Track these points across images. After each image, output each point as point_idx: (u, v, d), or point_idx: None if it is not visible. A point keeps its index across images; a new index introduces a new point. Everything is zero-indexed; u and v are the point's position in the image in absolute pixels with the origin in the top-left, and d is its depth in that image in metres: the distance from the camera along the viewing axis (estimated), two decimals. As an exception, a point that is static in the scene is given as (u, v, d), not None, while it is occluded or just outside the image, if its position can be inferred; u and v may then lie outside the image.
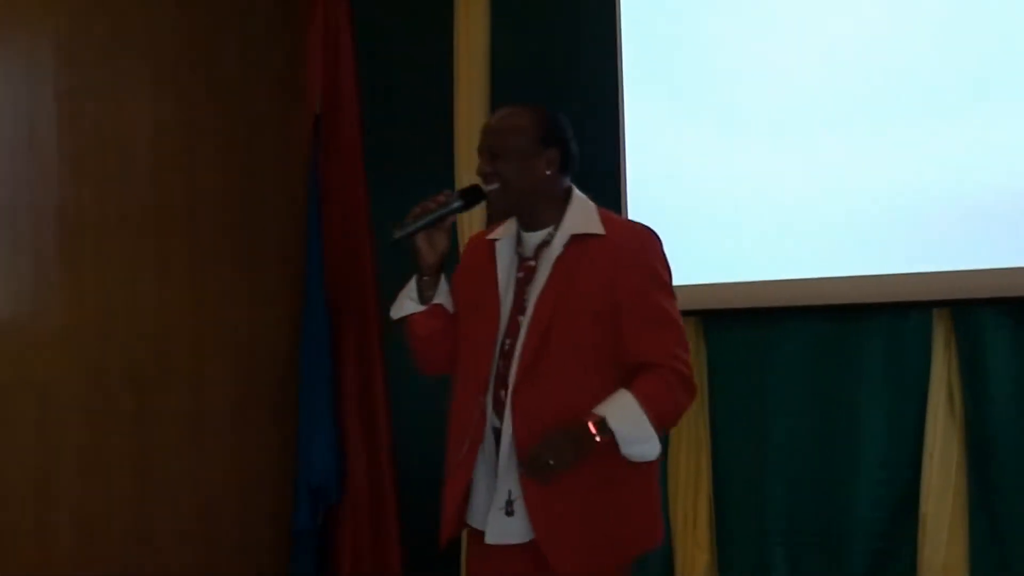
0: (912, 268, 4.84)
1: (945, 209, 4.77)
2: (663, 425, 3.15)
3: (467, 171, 5.86)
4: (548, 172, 3.27)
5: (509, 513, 3.19)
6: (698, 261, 5.15)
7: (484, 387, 3.24)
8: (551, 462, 3.02)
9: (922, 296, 4.86)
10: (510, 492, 3.19)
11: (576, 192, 3.35)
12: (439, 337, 3.36)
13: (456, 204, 3.26)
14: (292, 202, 6.18)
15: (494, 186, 3.26)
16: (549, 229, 3.29)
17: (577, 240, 3.24)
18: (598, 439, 3.05)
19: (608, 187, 5.34)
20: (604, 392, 3.14)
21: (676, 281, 5.24)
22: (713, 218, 5.20)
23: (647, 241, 3.27)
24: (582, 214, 3.29)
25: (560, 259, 3.24)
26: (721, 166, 5.20)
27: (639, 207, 5.33)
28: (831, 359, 5.10)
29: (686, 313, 5.23)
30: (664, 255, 3.29)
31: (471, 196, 3.29)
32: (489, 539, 3.22)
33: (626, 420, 3.08)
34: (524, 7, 5.89)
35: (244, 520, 5.92)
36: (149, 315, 5.62)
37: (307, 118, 6.15)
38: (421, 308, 3.33)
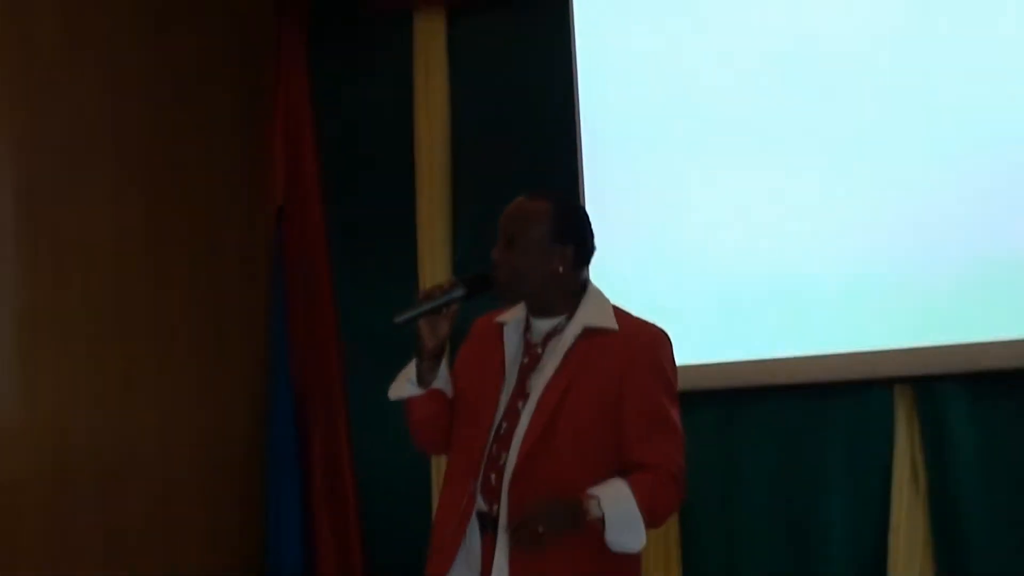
0: (873, 345, 4.90)
1: (902, 286, 4.84)
2: (651, 520, 3.12)
3: (428, 256, 5.91)
4: (560, 269, 3.26)
5: None
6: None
7: (476, 471, 3.22)
8: (540, 529, 2.99)
9: (883, 373, 4.91)
10: None
11: (592, 285, 3.33)
12: (437, 419, 3.36)
13: (459, 292, 3.24)
14: (257, 293, 6.19)
15: (501, 276, 3.26)
16: (561, 318, 3.28)
17: (590, 333, 3.23)
18: (589, 516, 3.03)
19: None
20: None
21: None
22: (675, 298, 5.23)
23: (659, 343, 3.26)
24: (596, 308, 3.28)
25: (572, 350, 3.22)
26: (682, 243, 5.26)
27: (601, 280, 5.36)
28: (796, 437, 5.14)
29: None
30: (673, 359, 3.28)
31: (476, 285, 3.28)
32: None
33: (618, 506, 3.06)
34: (480, 85, 5.96)
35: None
36: (113, 412, 5.57)
37: (270, 209, 6.18)
38: (420, 392, 3.31)
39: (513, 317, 3.35)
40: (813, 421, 5.09)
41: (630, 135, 5.44)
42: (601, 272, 5.27)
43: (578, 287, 3.31)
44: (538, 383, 3.22)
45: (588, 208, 5.32)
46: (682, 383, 5.10)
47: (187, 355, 5.88)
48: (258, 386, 6.13)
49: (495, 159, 5.86)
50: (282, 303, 6.10)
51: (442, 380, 3.34)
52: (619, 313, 3.30)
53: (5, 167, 5.31)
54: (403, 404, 3.36)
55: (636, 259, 5.35)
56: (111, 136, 5.69)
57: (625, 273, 5.32)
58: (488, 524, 3.19)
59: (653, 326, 3.31)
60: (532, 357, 3.29)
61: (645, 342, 3.24)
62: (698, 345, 5.19)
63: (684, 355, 5.05)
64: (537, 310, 3.31)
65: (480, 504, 3.21)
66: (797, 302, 5.03)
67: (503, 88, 5.93)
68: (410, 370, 3.32)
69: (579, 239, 3.30)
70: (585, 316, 3.26)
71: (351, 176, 6.28)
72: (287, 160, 6.18)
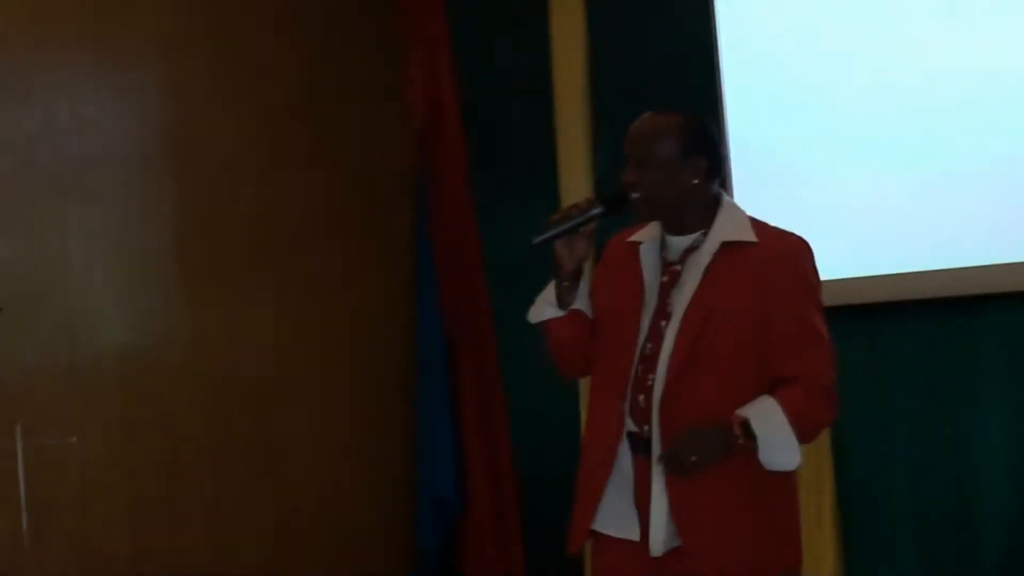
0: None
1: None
2: (804, 436, 3.10)
3: (569, 176, 5.88)
4: (695, 181, 3.20)
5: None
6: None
7: (623, 392, 3.19)
8: (694, 457, 2.99)
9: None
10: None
11: (726, 198, 3.28)
12: (577, 342, 3.31)
13: (597, 211, 3.20)
14: (400, 217, 6.23)
15: (637, 195, 3.19)
16: (698, 234, 3.22)
17: (728, 247, 3.17)
18: (740, 441, 3.02)
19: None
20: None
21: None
22: (820, 215, 5.13)
23: (802, 252, 3.21)
24: (733, 221, 3.22)
25: (711, 266, 3.16)
26: (824, 163, 5.15)
27: (745, 202, 5.28)
28: (949, 353, 5.01)
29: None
30: (815, 267, 3.22)
31: (613, 203, 3.22)
32: (655, 551, 3.15)
33: (769, 426, 3.03)
34: (620, 11, 5.88)
35: (370, 537, 5.97)
36: (268, 340, 5.71)
37: (412, 133, 6.19)
38: (560, 313, 3.28)
39: (648, 236, 3.29)
40: (967, 336, 4.95)
41: (773, 62, 5.32)
42: (745, 193, 5.33)
43: (712, 200, 3.25)
44: (680, 302, 3.17)
45: (731, 130, 5.38)
46: (828, 298, 5.11)
47: (337, 283, 5.96)
48: (407, 311, 6.18)
49: (633, 81, 5.79)
50: (425, 228, 6.12)
51: (581, 301, 3.30)
52: (756, 224, 3.23)
53: (155, 101, 5.43)
54: (542, 327, 3.33)
55: (778, 178, 5.26)
56: (255, 65, 5.77)
57: (768, 192, 5.26)
58: (640, 446, 3.17)
59: (793, 235, 3.24)
60: (671, 275, 3.23)
61: (787, 252, 3.18)
62: (845, 259, 5.09)
63: (830, 270, 5.09)
64: (673, 227, 3.24)
65: (630, 425, 3.18)
66: (943, 215, 4.89)
67: (640, 5, 5.83)
68: (549, 292, 3.30)
69: (710, 150, 3.24)
70: (722, 230, 3.19)
71: (490, 101, 6.25)
72: (426, 84, 6.17)
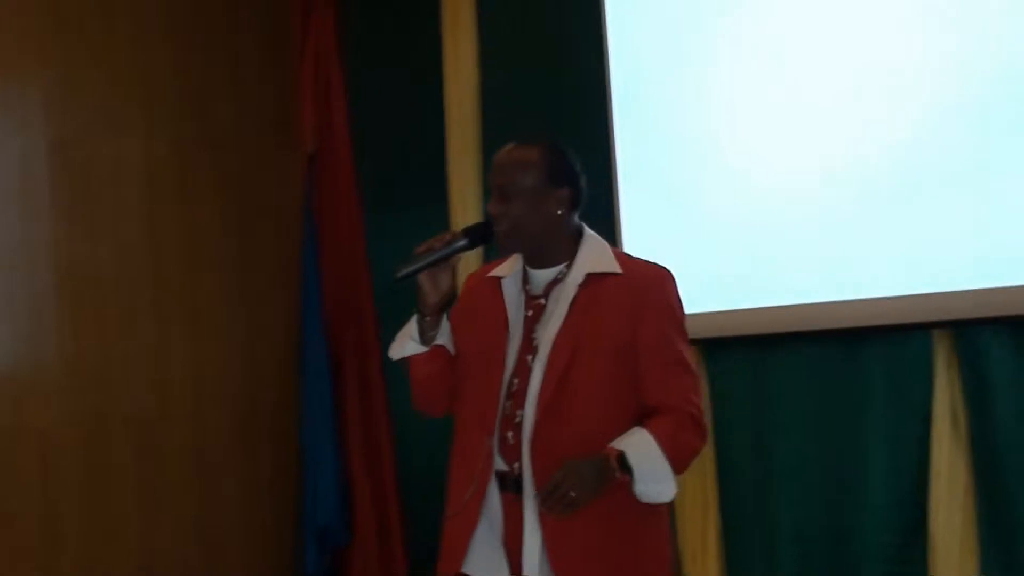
0: (911, 290, 4.82)
1: (941, 227, 4.76)
2: (677, 466, 3.09)
3: (460, 201, 5.87)
4: (559, 212, 3.19)
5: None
6: (696, 289, 5.13)
7: (490, 429, 3.14)
8: (573, 493, 2.93)
9: (922, 318, 4.83)
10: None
11: (588, 230, 3.27)
12: (440, 378, 3.27)
13: (461, 243, 3.17)
14: (288, 240, 6.19)
15: (502, 227, 3.17)
16: (561, 267, 3.21)
17: (593, 278, 3.16)
18: (617, 474, 2.98)
19: (602, 212, 5.34)
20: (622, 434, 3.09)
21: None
22: (710, 245, 5.18)
23: (665, 282, 3.21)
24: (596, 252, 3.21)
25: (577, 298, 3.15)
26: (716, 192, 5.19)
27: (634, 233, 5.32)
28: (833, 384, 5.07)
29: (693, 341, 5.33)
30: (679, 296, 3.23)
31: (478, 235, 3.20)
32: None
33: (645, 458, 3.02)
34: (510, 33, 5.89)
35: (252, 564, 5.90)
36: (148, 357, 5.63)
37: (301, 157, 6.16)
38: (423, 349, 3.23)
39: (509, 270, 3.28)
40: (851, 368, 5.02)
41: (662, 87, 5.35)
42: (633, 224, 5.36)
43: (575, 232, 3.25)
44: (546, 335, 3.15)
45: (619, 159, 5.41)
46: (716, 329, 5.17)
47: (219, 308, 5.90)
48: (291, 336, 6.13)
49: (525, 107, 5.80)
50: (313, 251, 6.08)
51: (444, 336, 3.25)
52: (620, 255, 3.24)
53: (39, 120, 5.37)
54: (404, 363, 3.29)
55: (668, 209, 5.29)
56: (141, 88, 5.73)
57: (656, 222, 5.29)
58: (509, 484, 3.13)
59: (656, 265, 3.25)
60: (535, 309, 3.21)
61: (651, 281, 3.19)
62: (733, 291, 5.14)
63: (718, 302, 5.15)
64: (536, 260, 3.23)
65: (499, 463, 3.14)
66: (832, 248, 4.95)
67: (532, 35, 5.85)
68: (411, 327, 3.25)
69: (573, 180, 3.23)
70: (586, 262, 3.19)
71: (381, 124, 6.24)
72: (317, 107, 6.15)
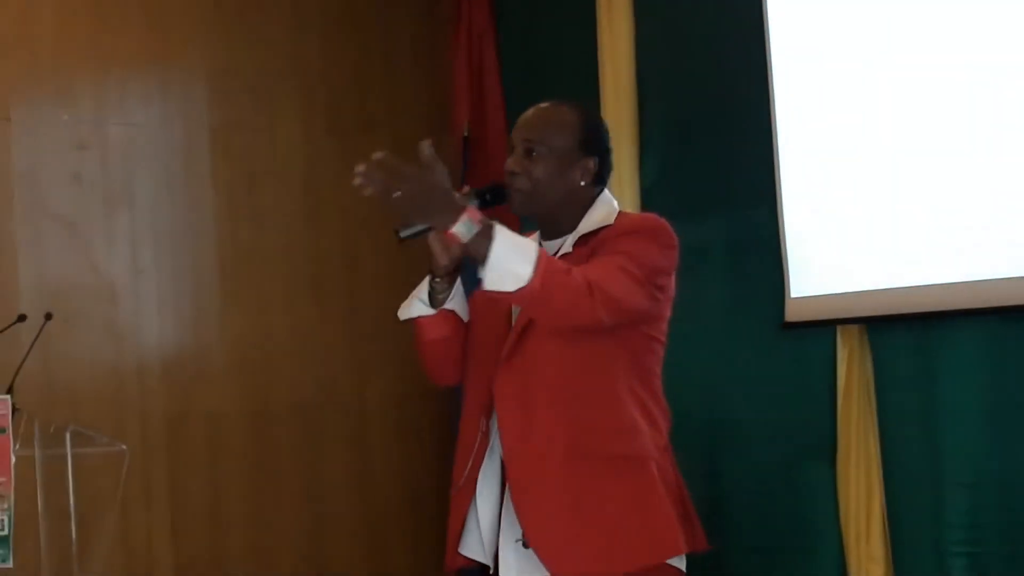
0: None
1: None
2: (547, 285, 2.64)
3: (616, 183, 5.82)
4: (582, 183, 2.96)
5: (526, 545, 2.85)
6: (861, 266, 5.03)
7: (488, 408, 2.91)
8: (397, 193, 2.65)
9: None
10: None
11: (603, 196, 3.01)
12: (447, 345, 3.03)
13: (472, 203, 2.82)
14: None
15: (520, 187, 2.92)
16: (566, 237, 2.97)
17: (586, 238, 2.92)
18: (462, 217, 2.62)
19: (762, 187, 5.26)
20: (583, 378, 2.82)
21: (840, 288, 5.21)
22: (875, 220, 5.04)
23: (650, 225, 2.91)
24: (599, 215, 2.96)
25: (566, 260, 2.86)
26: (880, 167, 5.06)
27: (795, 209, 5.22)
28: (1004, 362, 4.91)
29: (852, 320, 5.22)
30: (669, 237, 2.90)
31: (491, 195, 2.93)
32: (504, 575, 2.88)
33: (513, 241, 2.65)
34: (667, 13, 5.82)
35: (412, 544, 5.95)
36: (310, 341, 5.71)
37: (455, 140, 6.18)
38: (429, 312, 2.99)
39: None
40: (1021, 346, 4.86)
41: (822, 72, 5.22)
42: (794, 202, 5.26)
43: (590, 201, 2.98)
44: None
45: (780, 143, 5.31)
46: (882, 308, 5.04)
47: (377, 292, 5.94)
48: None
49: (682, 90, 5.73)
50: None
51: (456, 301, 3.01)
52: (621, 214, 2.98)
53: (201, 107, 5.48)
54: (412, 324, 3.04)
55: (829, 186, 5.18)
56: (298, 74, 5.80)
57: (817, 200, 5.19)
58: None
59: (651, 215, 2.98)
60: None
61: (632, 224, 2.91)
62: (899, 269, 5.01)
63: (883, 279, 5.02)
64: (548, 230, 3.00)
65: (499, 447, 2.91)
66: (1004, 223, 4.77)
67: (689, 14, 5.77)
68: (422, 289, 3.03)
69: (603, 152, 3.00)
70: (584, 225, 2.94)
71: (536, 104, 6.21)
72: (471, 90, 6.16)
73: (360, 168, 2.69)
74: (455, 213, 2.64)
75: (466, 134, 6.16)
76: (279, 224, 5.68)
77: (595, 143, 2.99)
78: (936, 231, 4.91)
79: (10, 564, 4.21)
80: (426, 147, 2.71)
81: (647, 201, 5.68)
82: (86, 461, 4.51)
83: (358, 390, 5.86)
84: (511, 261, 2.65)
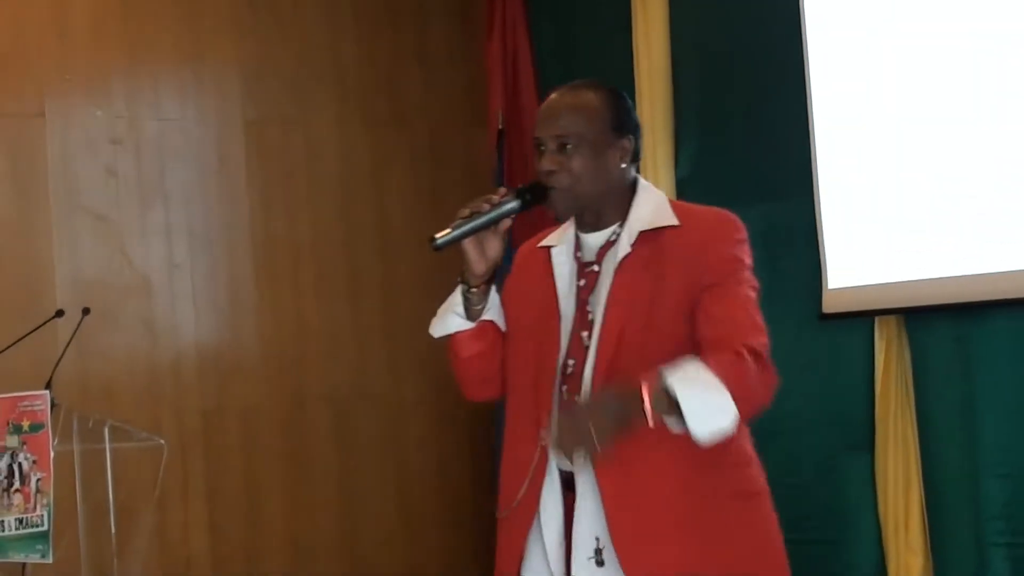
0: None
1: None
2: (742, 402, 2.53)
3: (652, 174, 5.79)
4: (622, 165, 2.77)
5: (600, 563, 2.67)
6: (899, 257, 4.99)
7: (543, 421, 2.70)
8: (595, 435, 2.45)
9: None
10: (597, 539, 2.67)
11: (642, 181, 2.83)
12: (486, 360, 2.84)
13: (512, 204, 2.72)
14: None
15: (560, 185, 2.73)
16: (614, 227, 2.78)
17: (646, 236, 2.73)
18: (647, 408, 2.47)
19: (798, 177, 5.22)
20: None
21: (878, 279, 5.18)
22: (913, 211, 5.01)
23: (728, 226, 2.77)
24: (651, 206, 2.78)
25: (627, 260, 2.72)
26: (919, 156, 5.02)
27: (832, 200, 5.18)
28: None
29: (890, 311, 5.19)
30: (745, 242, 2.77)
31: (531, 195, 2.75)
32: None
33: (694, 384, 2.50)
34: (702, 3, 5.79)
35: (447, 539, 5.95)
36: (344, 335, 5.72)
37: (490, 134, 6.17)
38: (468, 326, 2.80)
39: (561, 238, 2.86)
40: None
41: (860, 61, 5.17)
42: (831, 193, 5.23)
43: (629, 188, 2.81)
44: (599, 307, 2.73)
45: (816, 133, 5.27)
46: (919, 299, 5.01)
47: (411, 285, 5.94)
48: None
49: (718, 77, 5.70)
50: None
51: (494, 311, 2.82)
52: (679, 206, 2.81)
53: (235, 102, 5.49)
54: (447, 341, 2.85)
55: (866, 176, 5.14)
56: (331, 68, 5.80)
57: (854, 189, 5.15)
58: (570, 482, 2.71)
59: (716, 210, 2.82)
60: (589, 279, 2.79)
61: (711, 229, 2.74)
62: (937, 259, 4.97)
63: (921, 270, 4.99)
64: (589, 221, 2.80)
65: (560, 460, 2.70)
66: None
67: (725, 1, 5.74)
68: (455, 301, 2.82)
69: (635, 128, 2.82)
70: (640, 218, 2.76)
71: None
72: (505, 82, 6.15)
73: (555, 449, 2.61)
74: (639, 405, 2.48)
75: (501, 127, 6.15)
76: (313, 218, 5.69)
77: (626, 121, 2.81)
78: (974, 221, 4.87)
79: (50, 559, 4.23)
80: (580, 401, 2.61)
81: (682, 191, 5.66)
82: (124, 456, 4.53)
83: (393, 384, 5.86)
84: (707, 404, 2.52)
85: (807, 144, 5.27)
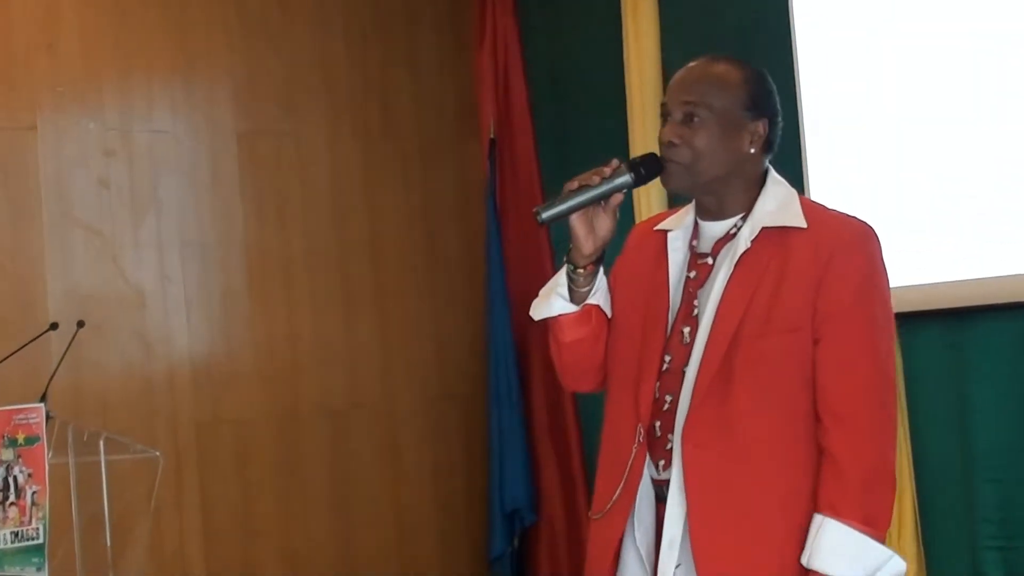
0: None
1: None
2: (880, 533, 2.48)
3: (644, 188, 5.79)
4: (751, 151, 2.58)
5: None
6: (891, 261, 4.99)
7: (645, 416, 2.55)
8: None
9: None
10: (678, 566, 2.51)
11: (773, 174, 2.64)
12: (590, 346, 2.64)
13: (624, 178, 2.54)
14: (471, 226, 6.22)
15: (679, 159, 2.55)
16: (736, 219, 2.59)
17: (770, 234, 2.53)
18: None
19: (789, 182, 5.22)
20: (795, 441, 2.47)
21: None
22: (905, 216, 5.03)
23: (863, 242, 2.53)
24: (779, 202, 2.57)
25: (746, 258, 2.52)
26: (909, 161, 5.04)
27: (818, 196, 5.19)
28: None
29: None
30: (882, 262, 2.57)
31: (646, 169, 2.56)
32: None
33: (841, 554, 2.40)
34: (692, 9, 5.80)
35: (442, 548, 5.95)
36: (337, 346, 5.72)
37: (482, 142, 6.18)
38: (573, 309, 2.61)
39: (680, 223, 2.66)
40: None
41: (847, 69, 5.20)
42: (827, 198, 5.22)
43: (759, 178, 2.62)
44: (708, 304, 2.54)
45: (807, 139, 5.28)
46: (912, 304, 5.02)
47: (405, 296, 5.96)
48: (477, 322, 6.15)
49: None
50: (497, 240, 6.10)
51: (600, 295, 2.62)
52: (809, 206, 2.60)
53: (227, 114, 5.49)
54: (550, 324, 2.67)
55: (857, 180, 5.15)
56: (322, 79, 5.80)
57: (845, 193, 5.16)
58: (663, 492, 2.54)
59: (855, 220, 2.58)
60: (700, 271, 2.59)
61: (844, 243, 2.51)
62: (929, 265, 4.99)
63: (913, 275, 5.00)
64: (710, 208, 2.61)
65: (651, 468, 2.56)
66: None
67: (715, 9, 5.76)
68: (559, 282, 2.64)
69: (773, 113, 2.62)
70: (764, 214, 2.55)
71: (562, 106, 6.22)
72: (496, 92, 6.16)
73: None
74: None
75: (492, 136, 6.16)
76: (306, 229, 5.70)
77: (763, 104, 2.60)
78: (966, 226, 4.89)
79: (46, 572, 4.22)
80: None
81: (673, 198, 5.66)
82: (119, 468, 4.53)
83: (387, 395, 5.86)
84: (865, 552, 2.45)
85: (798, 150, 5.29)
